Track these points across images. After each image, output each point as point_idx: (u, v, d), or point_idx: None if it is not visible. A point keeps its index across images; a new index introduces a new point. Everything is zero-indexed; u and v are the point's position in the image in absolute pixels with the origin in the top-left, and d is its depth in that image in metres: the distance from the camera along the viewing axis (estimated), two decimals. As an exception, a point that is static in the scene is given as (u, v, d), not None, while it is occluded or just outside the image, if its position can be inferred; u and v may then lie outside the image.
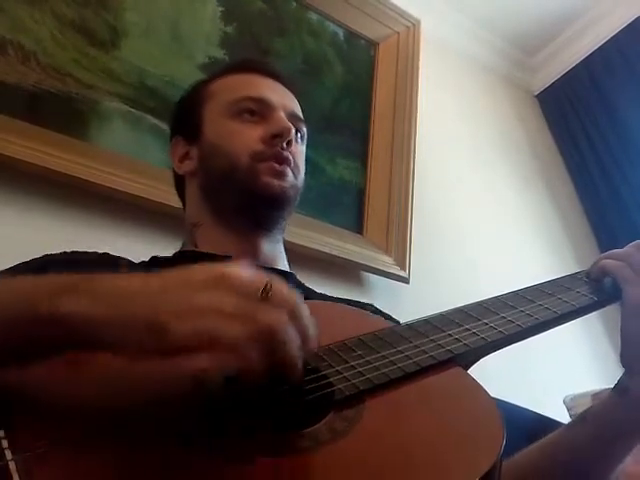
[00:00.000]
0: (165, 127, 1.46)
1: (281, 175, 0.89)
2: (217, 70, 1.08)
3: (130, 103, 1.47)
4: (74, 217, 1.32)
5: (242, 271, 0.47)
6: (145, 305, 0.45)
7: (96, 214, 1.34)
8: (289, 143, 0.91)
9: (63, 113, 1.37)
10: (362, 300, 0.97)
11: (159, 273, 0.49)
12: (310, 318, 0.49)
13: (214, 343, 0.43)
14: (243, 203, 0.90)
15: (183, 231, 0.99)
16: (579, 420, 0.81)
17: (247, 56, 1.66)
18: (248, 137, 0.90)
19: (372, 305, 0.95)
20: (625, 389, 0.78)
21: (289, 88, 1.00)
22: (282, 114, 0.93)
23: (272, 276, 0.49)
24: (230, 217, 0.92)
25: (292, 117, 0.95)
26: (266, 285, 0.47)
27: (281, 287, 0.48)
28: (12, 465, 0.41)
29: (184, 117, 1.01)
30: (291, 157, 0.91)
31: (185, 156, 0.98)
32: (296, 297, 0.49)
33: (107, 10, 1.51)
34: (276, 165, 0.89)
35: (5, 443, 0.43)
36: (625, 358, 0.78)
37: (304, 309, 0.48)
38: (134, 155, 1.43)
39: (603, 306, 0.79)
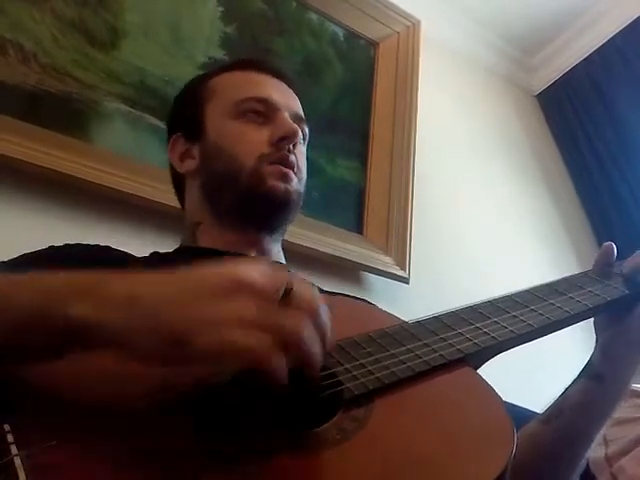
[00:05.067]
0: (165, 127, 1.46)
1: (287, 178, 0.89)
2: (217, 66, 1.06)
3: (130, 103, 1.47)
4: (74, 217, 1.31)
5: (258, 273, 0.47)
6: (166, 316, 0.45)
7: (96, 214, 1.33)
8: (294, 145, 0.91)
9: (63, 113, 1.37)
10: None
11: (171, 274, 0.48)
12: (328, 315, 0.49)
13: (237, 355, 0.44)
14: (246, 206, 0.89)
15: (182, 229, 0.98)
16: (555, 413, 0.81)
17: (247, 55, 1.65)
18: (254, 140, 0.90)
19: (366, 301, 0.94)
20: (600, 376, 0.79)
21: (291, 87, 0.99)
22: (287, 115, 0.92)
23: (291, 274, 0.48)
24: (231, 218, 0.91)
25: (295, 118, 0.94)
26: (286, 286, 0.46)
27: (300, 286, 0.48)
28: (17, 460, 0.41)
29: (184, 114, 1.00)
30: (296, 161, 0.91)
31: (186, 154, 0.96)
32: (315, 295, 0.48)
33: (107, 10, 1.50)
34: (282, 168, 0.89)
35: (10, 438, 0.42)
36: (615, 346, 0.80)
37: (323, 308, 0.48)
38: (134, 155, 1.43)
39: (616, 305, 0.78)
